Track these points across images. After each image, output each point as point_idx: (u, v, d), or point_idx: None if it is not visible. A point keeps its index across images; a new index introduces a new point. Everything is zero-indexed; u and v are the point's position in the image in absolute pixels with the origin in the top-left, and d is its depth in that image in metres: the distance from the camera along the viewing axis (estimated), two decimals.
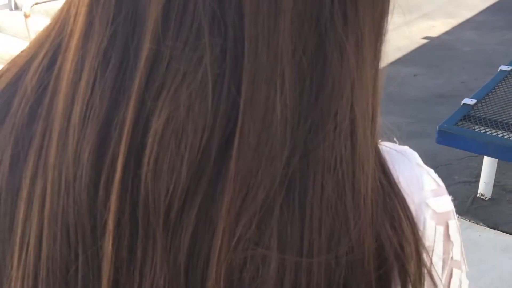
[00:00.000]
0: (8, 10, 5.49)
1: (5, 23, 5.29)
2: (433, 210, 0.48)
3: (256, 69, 0.39)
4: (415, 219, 0.46)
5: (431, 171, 0.51)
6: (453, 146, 2.85)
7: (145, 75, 0.39)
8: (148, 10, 0.40)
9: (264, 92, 0.39)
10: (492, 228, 2.93)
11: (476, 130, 2.78)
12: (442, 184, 0.51)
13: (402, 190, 0.46)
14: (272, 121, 0.39)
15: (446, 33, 5.80)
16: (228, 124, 0.39)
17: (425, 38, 5.64)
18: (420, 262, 0.45)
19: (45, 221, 0.41)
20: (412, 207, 0.46)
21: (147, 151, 0.39)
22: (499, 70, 3.36)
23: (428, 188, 0.49)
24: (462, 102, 2.98)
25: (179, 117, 0.39)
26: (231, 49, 0.39)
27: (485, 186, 3.18)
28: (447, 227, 0.49)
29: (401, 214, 0.44)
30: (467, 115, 2.88)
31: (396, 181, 0.46)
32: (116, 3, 0.41)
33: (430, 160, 3.24)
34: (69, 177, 0.41)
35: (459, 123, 2.82)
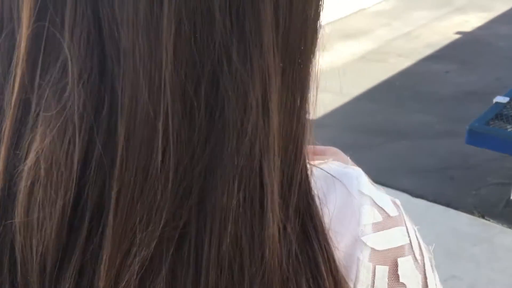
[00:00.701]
0: None
1: None
2: (372, 249, 0.42)
3: (135, 111, 0.33)
4: (344, 267, 0.40)
5: (382, 198, 0.44)
6: (484, 147, 2.73)
7: (14, 119, 0.35)
8: (19, 38, 0.35)
9: (145, 137, 0.34)
10: None
11: (509, 129, 2.66)
12: (396, 213, 0.44)
13: (331, 229, 0.40)
14: (154, 169, 0.34)
15: (480, 27, 5.62)
16: (103, 174, 0.34)
17: (458, 33, 5.48)
18: None
19: None
20: (342, 250, 0.40)
21: (18, 202, 0.35)
22: None
23: (367, 222, 0.42)
24: (494, 100, 2.85)
25: (40, 169, 0.34)
26: (107, 88, 0.34)
27: None
28: (395, 266, 0.42)
29: (322, 267, 0.38)
30: (500, 113, 2.76)
31: (327, 218, 0.40)
32: None
33: (460, 161, 3.11)
34: None
35: (491, 123, 2.71)
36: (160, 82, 0.33)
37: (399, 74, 4.63)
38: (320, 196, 0.41)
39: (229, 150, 0.35)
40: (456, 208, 2.84)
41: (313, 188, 0.40)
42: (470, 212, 2.82)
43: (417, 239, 0.45)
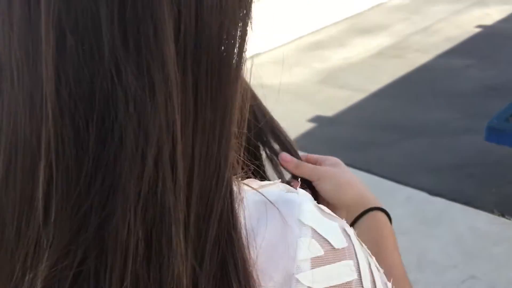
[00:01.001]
0: None
1: None
2: (308, 287, 0.37)
3: (15, 136, 0.30)
4: None
5: (328, 228, 0.39)
6: (503, 144, 2.66)
7: None
8: None
9: (26, 165, 0.31)
10: None
11: None
12: (345, 244, 0.39)
13: (258, 266, 0.36)
14: (37, 201, 0.31)
15: (502, 21, 5.50)
16: None
17: (478, 26, 5.37)
18: None
19: None
20: None
21: None
22: None
23: (305, 257, 0.37)
24: None
25: None
26: None
27: None
28: None
29: None
30: None
31: (254, 253, 0.36)
32: None
33: (480, 158, 3.03)
34: None
35: (510, 119, 2.64)
36: (42, 101, 0.29)
37: (417, 69, 4.55)
38: (248, 227, 0.36)
39: (128, 181, 0.31)
40: (475, 207, 2.78)
41: (239, 218, 0.36)
42: (489, 210, 2.76)
43: (371, 274, 0.40)
